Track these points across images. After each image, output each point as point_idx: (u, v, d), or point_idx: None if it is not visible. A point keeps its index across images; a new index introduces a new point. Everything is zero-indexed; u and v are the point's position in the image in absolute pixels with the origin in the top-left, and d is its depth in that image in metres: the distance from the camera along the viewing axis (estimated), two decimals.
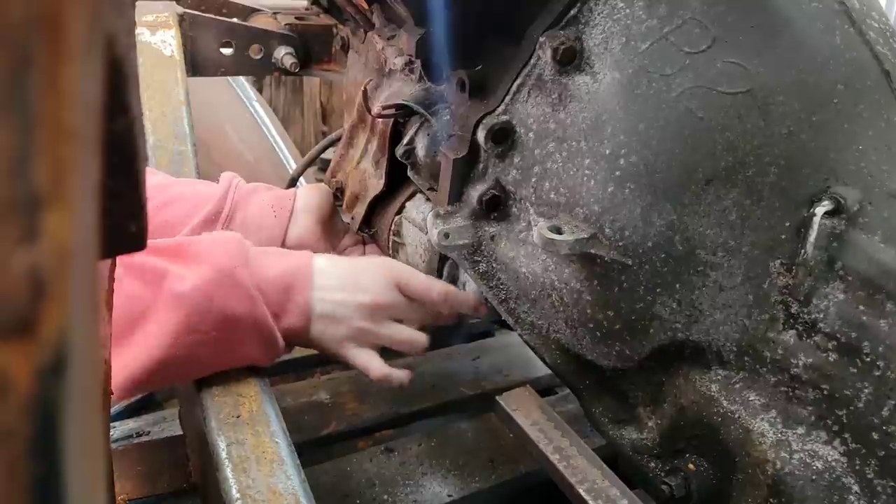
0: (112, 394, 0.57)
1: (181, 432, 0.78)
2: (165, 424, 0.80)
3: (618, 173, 0.52)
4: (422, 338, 0.73)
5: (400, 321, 0.71)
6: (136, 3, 0.94)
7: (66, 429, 0.13)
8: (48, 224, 0.11)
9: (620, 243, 0.53)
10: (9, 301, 0.11)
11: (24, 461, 0.12)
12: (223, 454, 0.56)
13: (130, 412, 0.84)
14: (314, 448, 0.81)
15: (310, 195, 0.85)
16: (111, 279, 0.41)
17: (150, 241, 0.65)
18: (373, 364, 0.71)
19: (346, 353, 0.70)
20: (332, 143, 1.01)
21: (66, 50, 0.11)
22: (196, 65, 1.04)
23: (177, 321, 0.59)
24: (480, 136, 0.60)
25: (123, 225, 0.23)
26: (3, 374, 0.11)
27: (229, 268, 0.61)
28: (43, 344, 0.12)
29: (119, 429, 0.79)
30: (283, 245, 0.80)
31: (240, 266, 0.62)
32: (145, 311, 0.59)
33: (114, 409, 0.83)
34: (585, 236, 0.52)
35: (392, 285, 0.70)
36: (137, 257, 0.60)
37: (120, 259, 0.49)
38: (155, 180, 0.78)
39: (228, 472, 0.54)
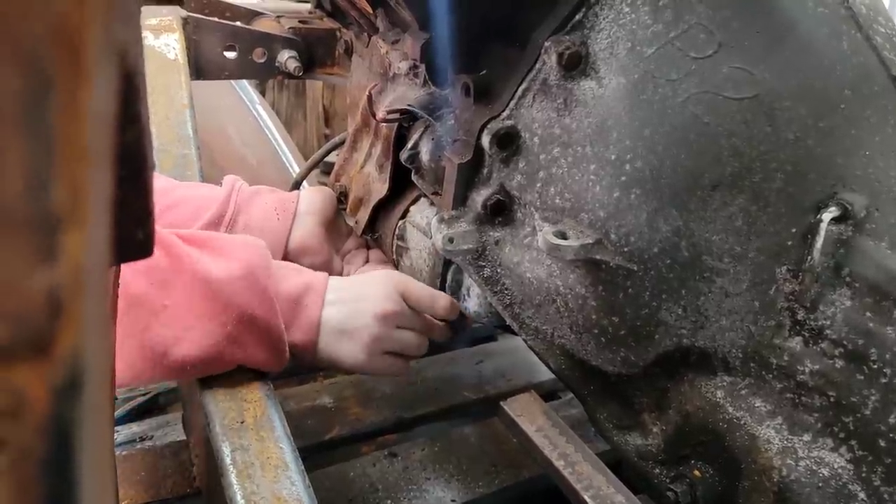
0: (116, 398, 0.57)
1: (184, 437, 0.78)
2: (168, 429, 0.80)
3: (623, 179, 0.52)
4: (426, 341, 0.75)
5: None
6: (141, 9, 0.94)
7: (80, 447, 0.13)
8: (66, 244, 0.11)
9: (626, 249, 0.53)
10: (27, 321, 0.11)
11: (39, 480, 0.12)
12: (227, 459, 0.56)
13: (133, 416, 0.84)
14: (317, 453, 0.81)
15: (313, 197, 0.85)
16: (115, 286, 0.41)
17: (175, 230, 0.65)
18: (398, 366, 0.73)
19: (368, 365, 0.71)
20: (336, 147, 1.01)
21: (84, 70, 0.11)
22: (200, 68, 1.04)
23: (201, 305, 0.60)
24: (485, 140, 0.60)
25: (131, 233, 0.23)
26: (19, 394, 0.11)
27: (256, 269, 0.63)
28: (58, 363, 0.12)
29: (122, 433, 0.78)
30: (286, 247, 0.80)
31: (264, 270, 0.63)
32: (165, 283, 0.60)
33: (117, 413, 0.83)
34: (590, 242, 0.52)
35: (397, 294, 0.71)
36: (161, 233, 0.61)
37: None
38: (157, 184, 0.78)
39: (233, 477, 0.54)
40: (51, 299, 0.11)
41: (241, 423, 0.59)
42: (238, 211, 0.78)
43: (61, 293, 0.11)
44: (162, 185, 0.79)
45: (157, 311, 0.59)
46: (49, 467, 0.12)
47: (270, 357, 0.64)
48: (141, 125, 0.21)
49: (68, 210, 0.11)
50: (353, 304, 0.69)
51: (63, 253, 0.11)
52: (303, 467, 0.56)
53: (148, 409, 0.86)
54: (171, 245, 0.61)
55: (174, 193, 0.78)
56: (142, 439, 0.76)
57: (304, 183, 1.09)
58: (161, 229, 0.61)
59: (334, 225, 0.87)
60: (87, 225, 0.11)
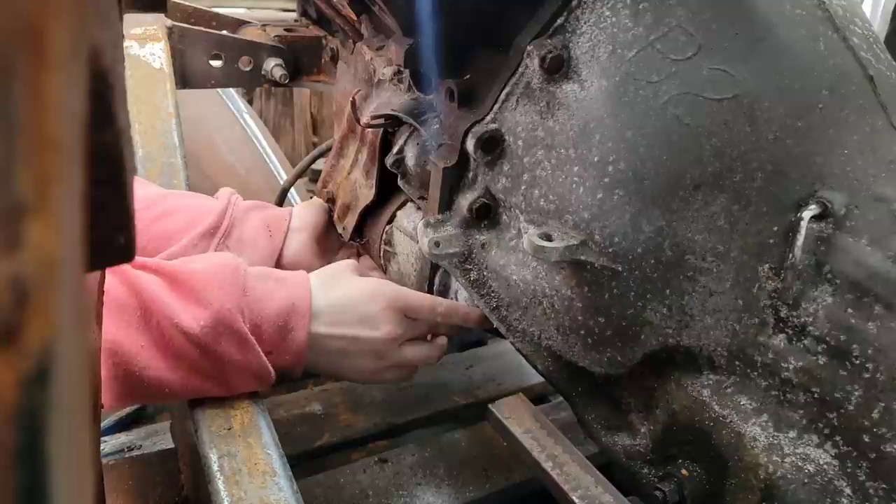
0: (103, 406, 0.57)
1: (173, 446, 0.78)
2: (157, 438, 0.80)
3: (606, 180, 0.53)
4: (436, 349, 0.73)
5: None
6: (125, 16, 0.94)
7: (51, 439, 0.13)
8: (31, 233, 0.11)
9: (610, 250, 0.53)
10: None
11: (9, 471, 0.12)
12: (215, 466, 0.55)
13: (122, 426, 0.83)
14: (307, 460, 0.81)
15: (305, 214, 0.85)
16: (100, 292, 0.41)
17: (140, 259, 0.63)
18: (405, 375, 0.73)
19: (375, 380, 0.73)
20: (323, 154, 1.02)
21: (48, 61, 0.11)
22: (186, 77, 1.04)
23: (178, 352, 0.59)
24: (469, 144, 0.60)
25: (111, 237, 0.23)
26: None
27: (227, 312, 0.60)
28: (27, 353, 0.12)
29: (110, 443, 0.78)
30: (278, 264, 0.81)
31: (236, 310, 0.60)
32: (136, 327, 0.58)
33: (105, 424, 0.82)
34: (575, 243, 0.52)
35: (398, 312, 0.69)
36: (124, 271, 0.59)
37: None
38: (149, 192, 0.79)
39: (220, 484, 0.54)
40: (16, 288, 0.11)
41: (229, 429, 0.59)
42: (232, 224, 0.79)
43: (27, 282, 0.11)
44: (153, 192, 0.79)
45: (135, 353, 0.58)
46: (20, 458, 0.12)
47: (257, 385, 0.64)
48: (118, 127, 0.21)
49: (33, 198, 0.11)
50: (353, 331, 0.67)
51: (28, 242, 0.11)
52: (290, 473, 0.56)
53: (136, 418, 0.86)
54: (137, 287, 0.59)
55: (167, 202, 0.78)
56: (130, 448, 0.76)
57: (292, 190, 1.09)
58: (123, 265, 0.59)
59: (326, 239, 0.87)
60: (54, 215, 0.11)
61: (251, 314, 0.62)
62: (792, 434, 0.52)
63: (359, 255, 0.89)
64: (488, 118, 0.60)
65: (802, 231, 0.49)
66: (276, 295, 0.64)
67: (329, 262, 0.86)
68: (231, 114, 1.52)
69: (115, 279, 0.58)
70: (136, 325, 0.58)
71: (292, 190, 1.08)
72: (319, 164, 1.05)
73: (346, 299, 0.68)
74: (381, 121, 0.73)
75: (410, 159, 0.71)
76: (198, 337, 0.59)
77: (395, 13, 0.63)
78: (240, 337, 0.60)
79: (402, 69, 0.72)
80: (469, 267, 0.64)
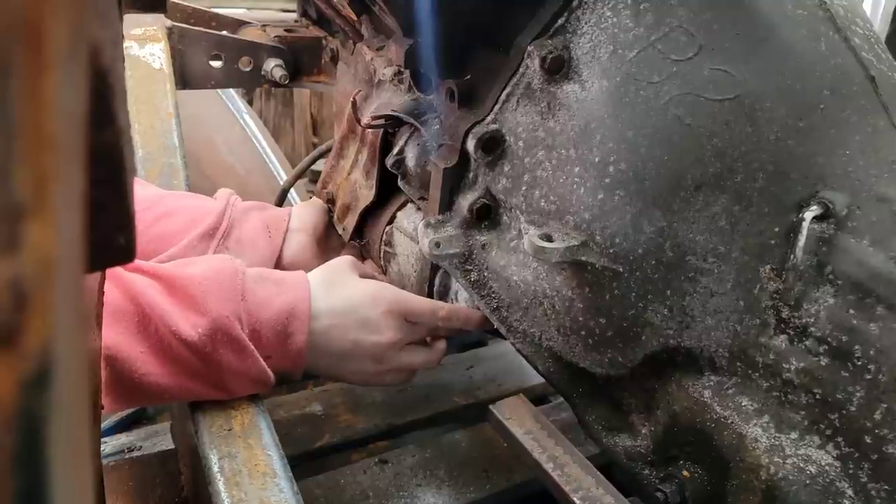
0: (103, 407, 0.57)
1: (173, 446, 0.78)
2: (157, 439, 0.80)
3: (607, 181, 0.53)
4: (435, 353, 0.73)
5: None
6: (125, 16, 0.94)
7: (51, 442, 0.13)
8: (30, 234, 0.11)
9: (611, 250, 0.53)
10: None
11: (8, 475, 0.12)
12: (215, 468, 0.55)
13: (122, 427, 0.83)
14: (308, 461, 0.81)
15: (304, 214, 0.85)
16: (100, 293, 0.40)
17: (138, 263, 0.63)
18: (405, 378, 0.73)
19: (376, 382, 0.73)
20: (322, 155, 1.01)
21: (46, 59, 0.11)
22: (185, 77, 1.03)
23: (178, 359, 0.59)
24: (470, 145, 0.60)
25: (111, 237, 0.23)
26: None
27: (226, 320, 0.59)
28: (26, 356, 0.11)
29: (110, 444, 0.78)
30: (278, 264, 0.80)
31: (234, 316, 0.60)
32: (135, 333, 0.58)
33: (105, 424, 0.82)
34: (576, 244, 0.52)
35: (399, 316, 0.69)
36: (118, 274, 0.59)
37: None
38: (151, 191, 0.79)
39: (220, 485, 0.54)
40: (15, 290, 0.11)
41: (229, 430, 0.59)
42: (232, 225, 0.78)
43: (25, 284, 0.11)
44: (151, 193, 0.79)
45: (134, 359, 0.57)
46: (20, 461, 0.12)
47: (257, 389, 0.64)
48: (118, 126, 0.21)
49: (32, 199, 0.11)
50: (353, 335, 0.67)
51: (26, 243, 0.11)
52: (291, 474, 0.56)
53: (136, 419, 0.85)
54: (133, 292, 0.58)
55: (165, 203, 0.78)
56: (130, 449, 0.76)
57: (292, 191, 1.09)
58: (118, 268, 0.59)
59: (326, 240, 0.87)
60: (52, 216, 0.11)
61: (250, 319, 0.61)
62: (793, 435, 0.52)
63: (362, 259, 0.89)
64: (489, 119, 0.60)
65: (804, 232, 0.49)
66: (275, 299, 0.64)
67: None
68: (231, 114, 1.52)
69: (110, 283, 0.58)
70: (134, 332, 0.58)
71: (292, 191, 1.08)
72: (319, 165, 1.05)
73: (346, 302, 0.67)
74: (382, 121, 0.73)
75: (411, 160, 0.71)
76: (196, 344, 0.58)
77: (395, 13, 0.63)
78: (239, 344, 0.60)
79: (402, 69, 0.72)
80: (469, 268, 0.64)
